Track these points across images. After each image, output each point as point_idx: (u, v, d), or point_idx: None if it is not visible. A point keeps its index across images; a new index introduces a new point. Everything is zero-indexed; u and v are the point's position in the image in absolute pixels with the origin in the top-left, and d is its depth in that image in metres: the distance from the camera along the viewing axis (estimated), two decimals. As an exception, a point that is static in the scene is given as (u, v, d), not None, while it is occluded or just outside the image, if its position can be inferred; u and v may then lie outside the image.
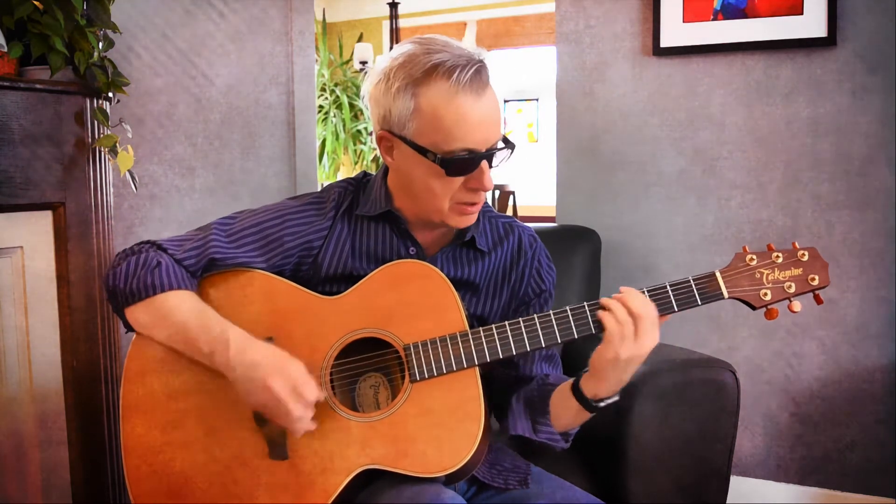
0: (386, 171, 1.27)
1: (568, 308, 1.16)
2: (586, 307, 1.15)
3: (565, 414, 1.21)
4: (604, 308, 1.12)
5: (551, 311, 1.16)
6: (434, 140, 1.13)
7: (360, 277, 1.22)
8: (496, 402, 1.32)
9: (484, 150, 1.14)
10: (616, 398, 1.17)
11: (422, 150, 1.14)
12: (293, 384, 1.09)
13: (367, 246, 1.26)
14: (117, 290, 1.19)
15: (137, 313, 1.19)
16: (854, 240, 2.08)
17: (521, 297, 1.31)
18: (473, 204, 1.19)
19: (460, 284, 1.25)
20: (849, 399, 2.11)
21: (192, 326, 1.15)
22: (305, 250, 1.25)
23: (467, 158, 1.13)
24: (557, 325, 1.15)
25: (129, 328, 1.23)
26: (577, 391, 1.17)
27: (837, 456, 2.12)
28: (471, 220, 1.21)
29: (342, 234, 1.26)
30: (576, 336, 1.15)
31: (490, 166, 1.15)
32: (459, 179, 1.15)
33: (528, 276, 1.31)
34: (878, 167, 2.05)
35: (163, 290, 1.17)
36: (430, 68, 1.12)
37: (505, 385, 1.31)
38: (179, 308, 1.17)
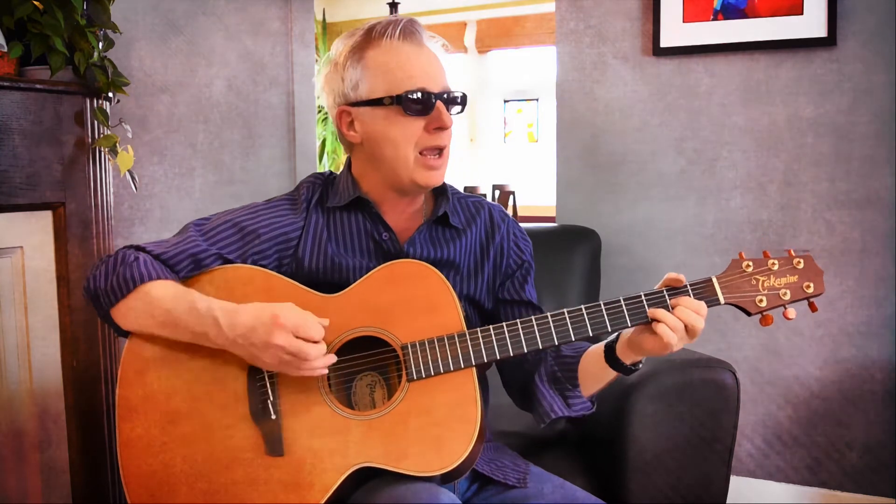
0: (350, 163, 1.30)
1: (565, 311, 1.17)
2: (583, 310, 1.16)
3: (596, 382, 1.24)
4: (655, 319, 1.14)
5: (548, 314, 1.17)
6: (387, 87, 1.19)
7: (343, 266, 1.24)
8: (515, 389, 1.34)
9: (438, 91, 1.20)
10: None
11: (378, 102, 1.20)
12: (295, 330, 1.10)
13: (342, 236, 1.28)
14: (98, 291, 1.20)
15: (123, 311, 1.20)
16: (854, 240, 2.08)
17: (504, 270, 1.33)
18: (438, 154, 1.22)
19: (441, 265, 1.25)
20: (849, 399, 2.11)
21: (179, 311, 1.16)
22: (283, 244, 1.26)
23: (423, 97, 1.19)
24: (555, 327, 1.16)
25: (120, 332, 1.23)
26: (612, 360, 1.20)
27: (837, 456, 2.12)
28: (437, 176, 1.23)
29: (318, 224, 1.28)
30: (573, 339, 1.16)
31: (449, 111, 1.21)
32: (420, 122, 1.19)
33: (507, 248, 1.33)
34: (878, 167, 2.05)
35: (142, 282, 1.17)
36: (366, 32, 1.22)
37: (517, 370, 1.32)
38: (162, 296, 1.17)
